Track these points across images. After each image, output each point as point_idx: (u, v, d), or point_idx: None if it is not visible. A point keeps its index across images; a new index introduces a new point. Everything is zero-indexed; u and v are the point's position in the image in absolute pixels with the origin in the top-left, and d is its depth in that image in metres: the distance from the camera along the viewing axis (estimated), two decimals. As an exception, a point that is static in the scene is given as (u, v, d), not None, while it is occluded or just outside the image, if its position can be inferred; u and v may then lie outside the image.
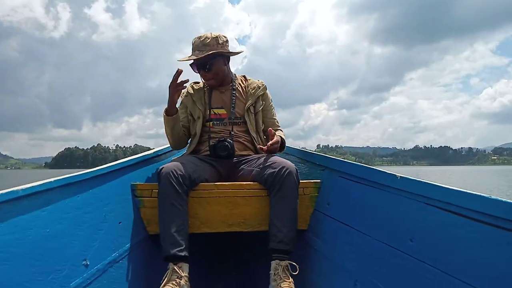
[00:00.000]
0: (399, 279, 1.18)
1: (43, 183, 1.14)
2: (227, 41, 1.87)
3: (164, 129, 1.89)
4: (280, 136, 1.84)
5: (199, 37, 1.82)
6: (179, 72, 1.64)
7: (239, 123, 1.89)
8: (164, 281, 1.38)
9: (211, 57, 1.80)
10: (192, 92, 1.96)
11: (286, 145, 2.42)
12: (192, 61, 1.84)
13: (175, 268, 1.41)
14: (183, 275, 1.40)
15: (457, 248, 1.01)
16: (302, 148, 2.30)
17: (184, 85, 1.69)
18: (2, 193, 0.99)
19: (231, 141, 1.78)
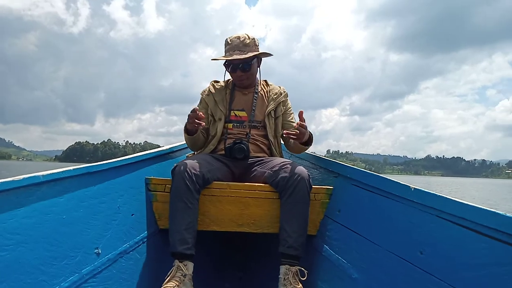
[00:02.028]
0: None
1: (63, 171, 1.18)
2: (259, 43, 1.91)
3: (184, 139, 1.87)
4: (309, 131, 1.77)
5: (238, 37, 1.82)
6: (196, 112, 1.61)
7: (258, 127, 1.90)
8: (168, 278, 1.40)
9: (251, 58, 1.83)
10: (214, 91, 1.94)
11: None
12: (227, 60, 1.81)
13: (180, 265, 1.43)
14: (187, 273, 1.42)
15: (467, 264, 1.00)
16: (312, 153, 2.30)
17: (200, 123, 1.63)
18: (24, 178, 1.03)
19: (247, 143, 1.79)
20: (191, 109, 1.63)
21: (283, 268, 1.49)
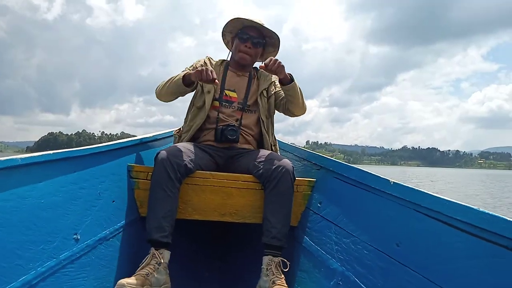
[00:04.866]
0: (383, 282, 1.21)
1: (42, 155, 1.15)
2: None
3: (165, 83, 1.81)
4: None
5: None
6: (214, 80, 1.57)
7: (248, 111, 1.88)
8: (143, 264, 1.39)
9: (269, 38, 1.89)
10: (209, 64, 1.92)
11: (283, 142, 2.41)
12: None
13: (156, 253, 1.41)
14: (162, 261, 1.41)
15: (442, 256, 1.03)
16: (292, 144, 2.32)
17: (213, 82, 1.60)
18: (0, 160, 1.00)
19: (238, 129, 1.79)
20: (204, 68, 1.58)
21: (265, 259, 1.50)
